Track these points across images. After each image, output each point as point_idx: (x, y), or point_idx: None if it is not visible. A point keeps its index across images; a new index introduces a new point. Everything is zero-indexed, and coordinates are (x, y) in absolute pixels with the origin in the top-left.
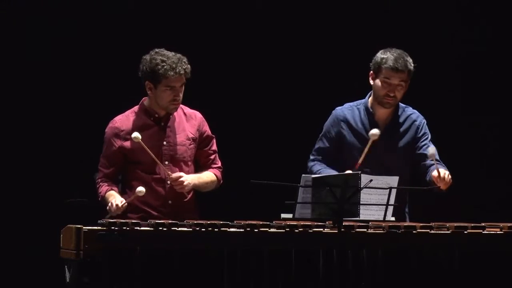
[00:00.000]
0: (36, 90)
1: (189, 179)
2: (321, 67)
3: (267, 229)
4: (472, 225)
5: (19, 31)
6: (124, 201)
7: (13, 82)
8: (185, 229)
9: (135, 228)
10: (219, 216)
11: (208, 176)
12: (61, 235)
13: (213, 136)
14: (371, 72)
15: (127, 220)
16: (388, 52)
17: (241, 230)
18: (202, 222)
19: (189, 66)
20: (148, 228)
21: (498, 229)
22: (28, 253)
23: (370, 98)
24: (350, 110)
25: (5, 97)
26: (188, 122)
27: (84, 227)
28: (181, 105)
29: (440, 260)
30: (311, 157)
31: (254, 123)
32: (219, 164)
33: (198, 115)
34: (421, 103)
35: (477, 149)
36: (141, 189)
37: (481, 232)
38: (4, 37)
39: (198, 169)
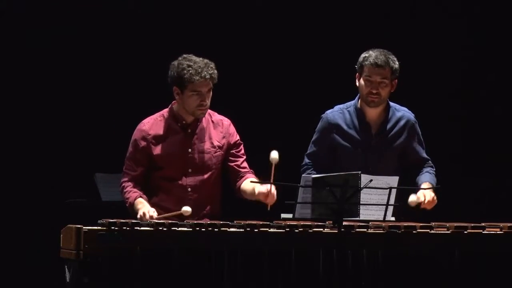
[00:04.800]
0: (37, 90)
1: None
2: (321, 68)
3: (267, 229)
4: (472, 225)
5: (28, 29)
6: (155, 213)
7: (13, 82)
8: (185, 229)
9: (135, 228)
10: (219, 216)
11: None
12: (61, 235)
13: (241, 142)
14: (357, 73)
15: (127, 220)
16: (370, 51)
17: (241, 230)
18: (202, 222)
19: (215, 71)
20: (148, 228)
21: (498, 229)
22: (28, 253)
23: (359, 100)
24: (340, 113)
25: (6, 97)
26: (215, 130)
27: (84, 227)
28: (210, 112)
29: (440, 260)
30: (304, 162)
31: (254, 123)
32: (249, 169)
33: (225, 122)
34: (420, 102)
35: (477, 148)
36: (187, 209)
37: (481, 232)
38: (10, 35)
39: (229, 175)
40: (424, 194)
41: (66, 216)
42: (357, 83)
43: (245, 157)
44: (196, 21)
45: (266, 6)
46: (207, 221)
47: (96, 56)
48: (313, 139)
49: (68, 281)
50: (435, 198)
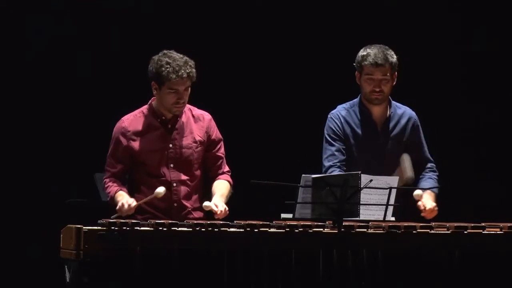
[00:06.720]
0: (37, 90)
1: (223, 206)
2: (321, 68)
3: (267, 229)
4: (472, 225)
5: (27, 29)
6: (134, 202)
7: (13, 82)
8: (185, 229)
9: (135, 228)
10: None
11: (226, 188)
12: (61, 235)
13: (221, 138)
14: (356, 72)
15: (127, 220)
16: (367, 49)
17: (241, 230)
18: (202, 222)
19: (194, 70)
20: (148, 228)
21: (498, 229)
22: (28, 253)
23: (362, 98)
24: (346, 112)
25: (6, 97)
26: (196, 124)
27: (84, 227)
28: (190, 107)
29: (440, 260)
30: (326, 166)
31: (254, 123)
32: (227, 168)
33: (206, 117)
34: (420, 101)
35: (477, 148)
36: (161, 190)
37: (481, 232)
38: (9, 35)
39: (206, 172)
40: (425, 204)
41: (66, 216)
42: (358, 82)
43: (224, 155)
44: (196, 21)
45: (266, 6)
46: (194, 216)
47: (96, 56)
48: (326, 139)
49: (68, 281)
50: (435, 208)
